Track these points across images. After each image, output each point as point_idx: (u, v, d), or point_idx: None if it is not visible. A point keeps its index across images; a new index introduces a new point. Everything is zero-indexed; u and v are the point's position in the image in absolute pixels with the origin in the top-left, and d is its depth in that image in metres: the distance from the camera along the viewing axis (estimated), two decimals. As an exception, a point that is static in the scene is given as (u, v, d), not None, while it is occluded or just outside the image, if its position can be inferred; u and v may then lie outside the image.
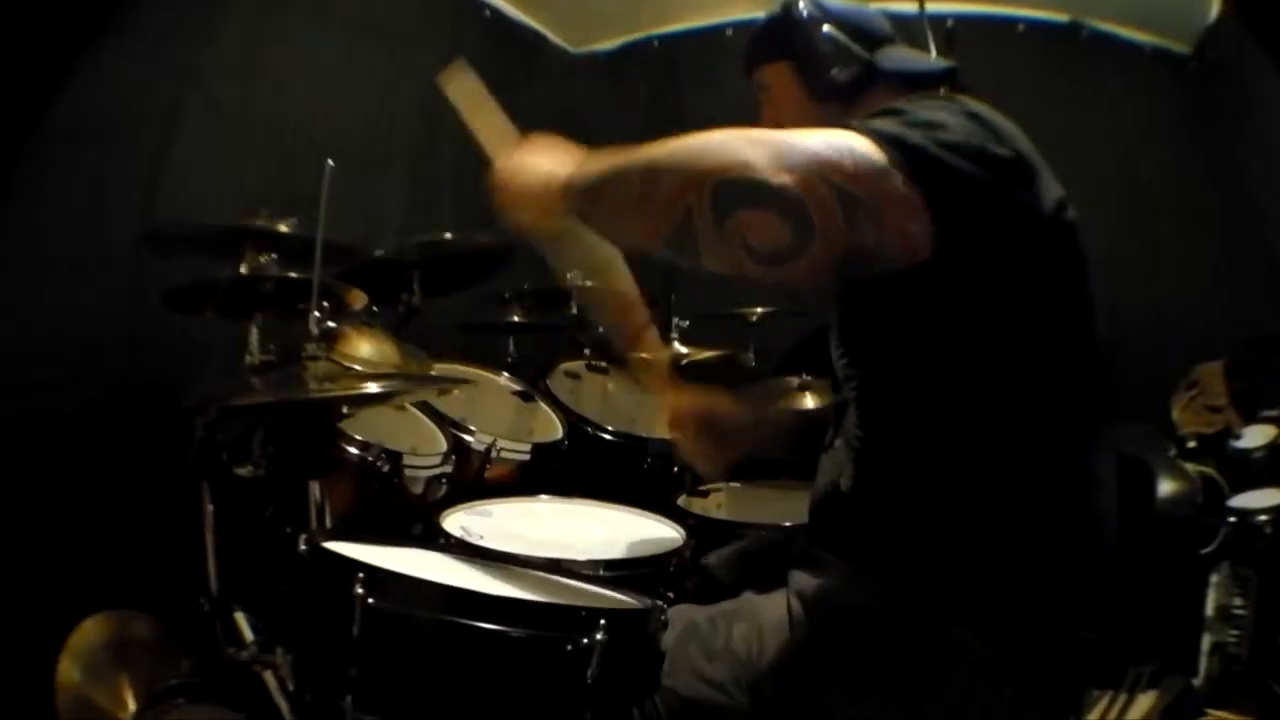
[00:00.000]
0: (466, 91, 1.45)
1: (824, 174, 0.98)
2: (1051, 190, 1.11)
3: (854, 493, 1.22)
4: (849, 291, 1.24)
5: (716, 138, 1.04)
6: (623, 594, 1.27)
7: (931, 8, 1.97)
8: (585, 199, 1.14)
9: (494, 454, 2.16)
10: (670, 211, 1.03)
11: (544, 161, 1.21)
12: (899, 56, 1.33)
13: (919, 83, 1.30)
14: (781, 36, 1.35)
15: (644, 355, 1.59)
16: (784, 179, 0.97)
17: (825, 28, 1.30)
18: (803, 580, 1.20)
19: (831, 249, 0.99)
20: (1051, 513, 1.12)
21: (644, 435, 2.48)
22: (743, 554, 1.55)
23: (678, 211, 1.02)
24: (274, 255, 1.92)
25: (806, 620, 1.16)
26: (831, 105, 1.32)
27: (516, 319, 2.80)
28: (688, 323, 2.78)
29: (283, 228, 1.94)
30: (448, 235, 2.47)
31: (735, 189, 0.99)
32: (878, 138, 1.01)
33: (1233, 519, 2.21)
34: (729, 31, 3.48)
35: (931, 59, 1.39)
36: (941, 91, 1.33)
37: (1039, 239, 1.08)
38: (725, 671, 1.15)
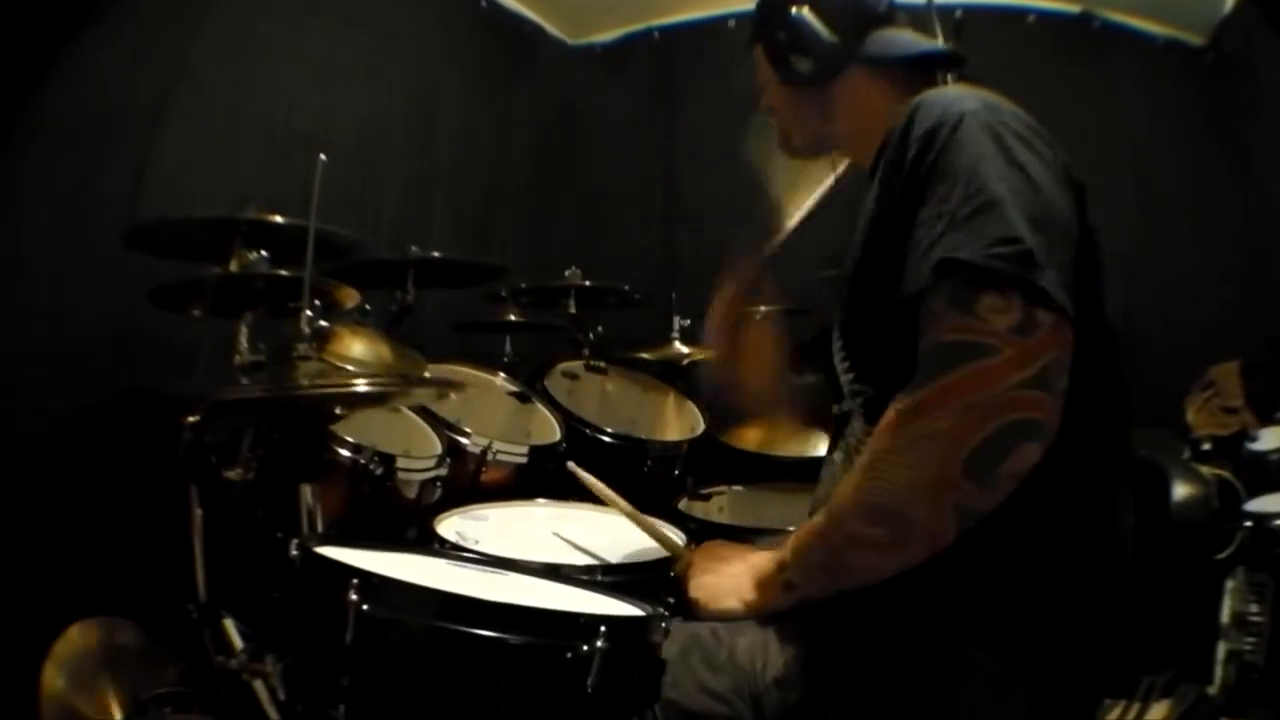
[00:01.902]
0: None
1: (1015, 385, 0.99)
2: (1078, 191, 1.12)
3: None
4: (856, 308, 1.24)
5: (895, 440, 1.05)
6: (623, 600, 1.26)
7: (940, -2, 1.98)
8: (821, 578, 1.14)
9: (490, 456, 2.16)
10: (942, 514, 1.03)
11: (736, 587, 1.21)
12: (890, 39, 1.31)
13: (913, 67, 1.29)
14: (757, 19, 1.36)
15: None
16: (999, 421, 1.00)
17: (794, 10, 1.29)
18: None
19: (1062, 406, 1.02)
20: (1064, 525, 1.12)
21: (644, 437, 2.48)
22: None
23: (947, 509, 1.02)
24: (264, 252, 1.92)
25: (813, 633, 1.16)
26: (802, 90, 1.32)
27: (513, 318, 2.80)
28: (689, 322, 2.78)
29: (277, 218, 1.93)
30: (436, 254, 2.51)
31: (977, 458, 1.00)
32: (998, 279, 1.00)
33: (1249, 523, 2.20)
34: (731, 23, 3.48)
35: (932, 42, 1.38)
36: (947, 78, 1.33)
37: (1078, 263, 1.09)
38: (729, 684, 1.15)
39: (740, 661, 1.16)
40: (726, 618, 1.19)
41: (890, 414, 1.05)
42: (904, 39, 1.33)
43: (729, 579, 1.22)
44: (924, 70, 1.30)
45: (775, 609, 1.16)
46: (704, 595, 1.23)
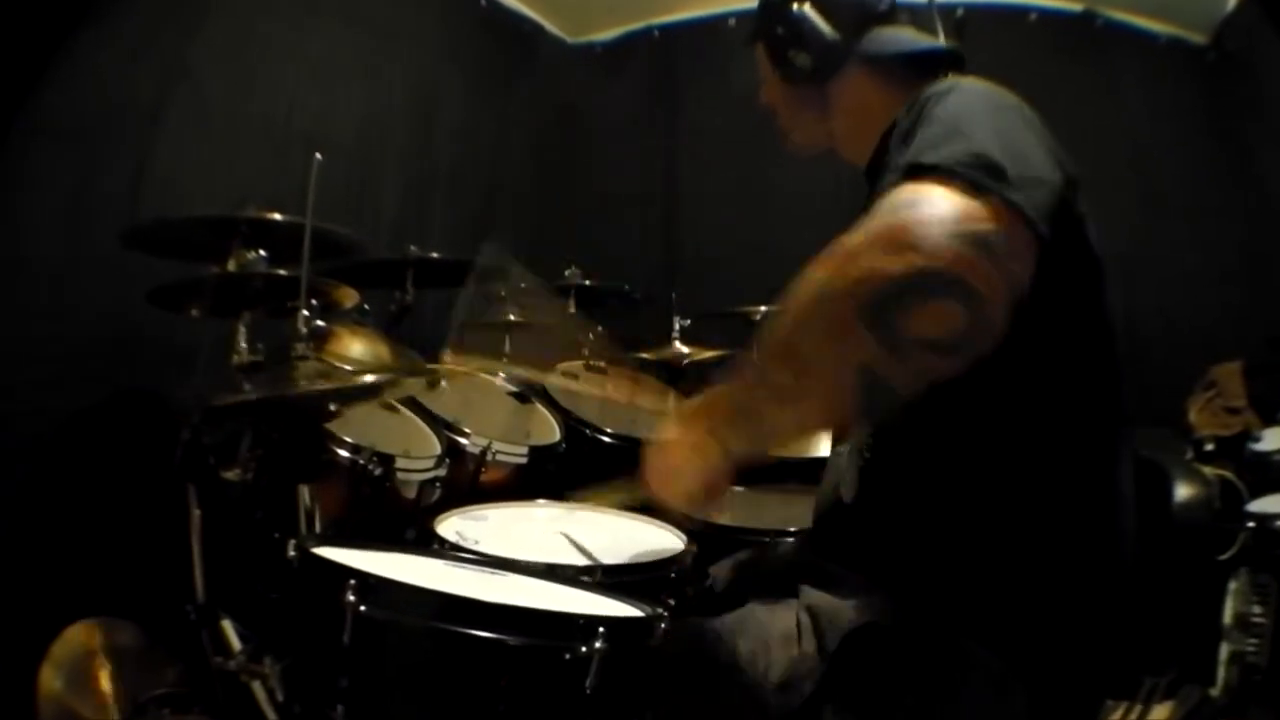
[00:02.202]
0: None
1: (950, 233, 0.92)
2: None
3: (858, 504, 1.21)
4: None
5: (826, 270, 0.97)
6: (623, 601, 1.26)
7: (941, -4, 1.98)
8: (740, 427, 1.08)
9: (489, 457, 2.16)
10: (839, 370, 0.96)
11: (681, 444, 1.14)
12: (890, 37, 1.31)
13: (913, 65, 1.29)
14: (759, 15, 1.36)
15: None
16: (920, 263, 0.91)
17: (796, 7, 1.29)
18: (813, 595, 1.19)
19: (1002, 299, 0.93)
20: (1067, 523, 1.12)
21: (644, 437, 2.47)
22: (747, 563, 1.55)
23: (847, 364, 0.95)
24: (262, 252, 1.92)
25: (815, 635, 1.16)
26: (802, 87, 1.32)
27: (512, 318, 2.80)
28: (689, 322, 2.78)
29: (275, 217, 1.93)
30: (435, 255, 2.52)
31: (889, 306, 0.92)
32: (959, 174, 0.95)
33: (1251, 524, 2.20)
34: (731, 21, 3.48)
35: (933, 41, 1.38)
36: (948, 77, 1.33)
37: (1063, 240, 1.08)
38: (730, 685, 1.15)
39: (742, 664, 1.16)
40: (682, 493, 1.14)
41: (821, 255, 0.99)
42: (905, 37, 1.33)
43: (671, 454, 1.16)
44: (924, 69, 1.30)
45: (710, 459, 1.10)
46: (655, 481, 1.17)
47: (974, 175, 0.95)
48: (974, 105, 1.07)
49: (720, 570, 1.54)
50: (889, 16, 1.32)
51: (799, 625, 1.17)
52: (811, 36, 1.29)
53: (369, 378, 1.70)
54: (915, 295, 0.92)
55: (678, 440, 1.14)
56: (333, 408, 1.78)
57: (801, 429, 1.04)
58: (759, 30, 1.36)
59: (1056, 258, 1.03)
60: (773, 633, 1.18)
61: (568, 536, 1.64)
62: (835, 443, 1.33)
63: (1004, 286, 0.93)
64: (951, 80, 1.15)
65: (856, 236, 0.96)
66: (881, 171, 1.22)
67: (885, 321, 0.92)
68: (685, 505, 1.17)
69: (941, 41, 1.41)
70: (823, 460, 1.38)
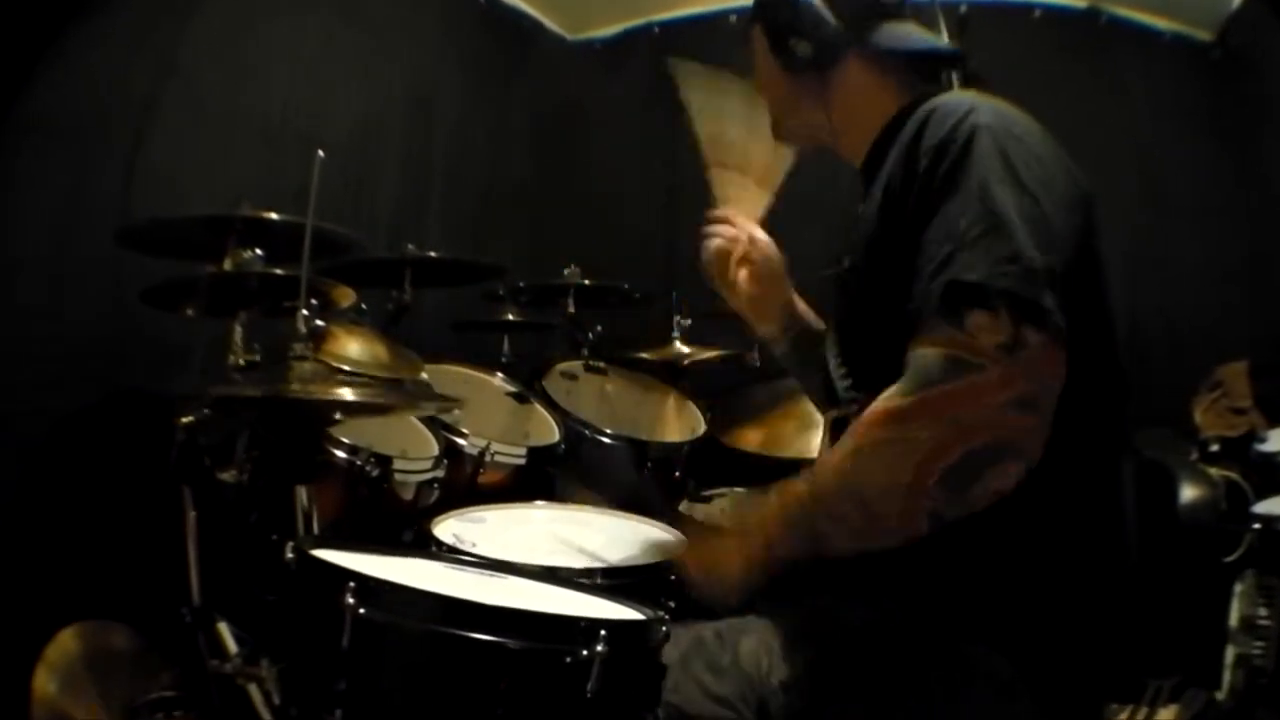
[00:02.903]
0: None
1: (999, 405, 1.01)
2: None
3: None
4: (855, 316, 1.24)
5: (874, 438, 1.07)
6: (623, 604, 1.26)
7: (944, -9, 1.98)
8: (800, 544, 1.15)
9: (488, 458, 2.16)
10: (913, 512, 1.04)
11: (728, 551, 1.22)
12: (895, 33, 1.30)
13: (916, 63, 1.29)
14: (761, 1, 1.35)
15: None
16: (977, 440, 1.01)
17: None
18: (816, 597, 1.20)
19: (1045, 433, 1.03)
20: (1069, 526, 1.13)
21: (644, 438, 2.48)
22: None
23: (919, 509, 1.04)
24: (258, 250, 1.91)
25: (818, 636, 1.16)
26: (802, 76, 1.32)
27: (511, 317, 2.80)
28: (690, 322, 2.78)
29: (272, 216, 1.93)
30: (433, 254, 2.52)
31: (947, 478, 1.02)
32: (1005, 306, 1.01)
33: (1257, 525, 2.20)
34: (732, 18, 3.48)
35: (936, 40, 1.37)
36: (952, 78, 1.33)
37: (1075, 257, 1.09)
38: (733, 688, 1.15)
39: (745, 665, 1.16)
40: (720, 587, 1.21)
41: (878, 409, 1.07)
42: (909, 34, 1.32)
43: (719, 551, 1.23)
44: (927, 68, 1.29)
45: (758, 568, 1.17)
46: (697, 568, 1.25)
47: (1012, 299, 1.01)
48: (995, 167, 1.07)
49: None
50: (895, 12, 1.32)
51: (802, 626, 1.17)
52: (814, 24, 1.28)
53: (375, 397, 1.69)
54: (977, 466, 1.02)
55: (728, 540, 1.22)
56: (338, 416, 1.79)
57: (881, 546, 1.12)
58: (760, 16, 1.35)
59: (1069, 275, 1.04)
60: (775, 634, 1.18)
61: (566, 539, 1.64)
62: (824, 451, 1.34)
63: (1048, 424, 1.03)
64: (963, 102, 1.13)
65: (905, 401, 1.04)
66: (878, 172, 1.23)
67: (950, 489, 1.03)
68: (718, 598, 1.22)
69: (944, 39, 1.40)
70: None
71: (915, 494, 1.03)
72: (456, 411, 2.21)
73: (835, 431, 1.30)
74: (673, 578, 1.52)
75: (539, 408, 2.48)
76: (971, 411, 1.01)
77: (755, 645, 1.17)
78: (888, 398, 1.06)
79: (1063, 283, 1.04)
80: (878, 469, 1.06)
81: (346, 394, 1.57)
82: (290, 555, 1.15)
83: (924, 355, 1.04)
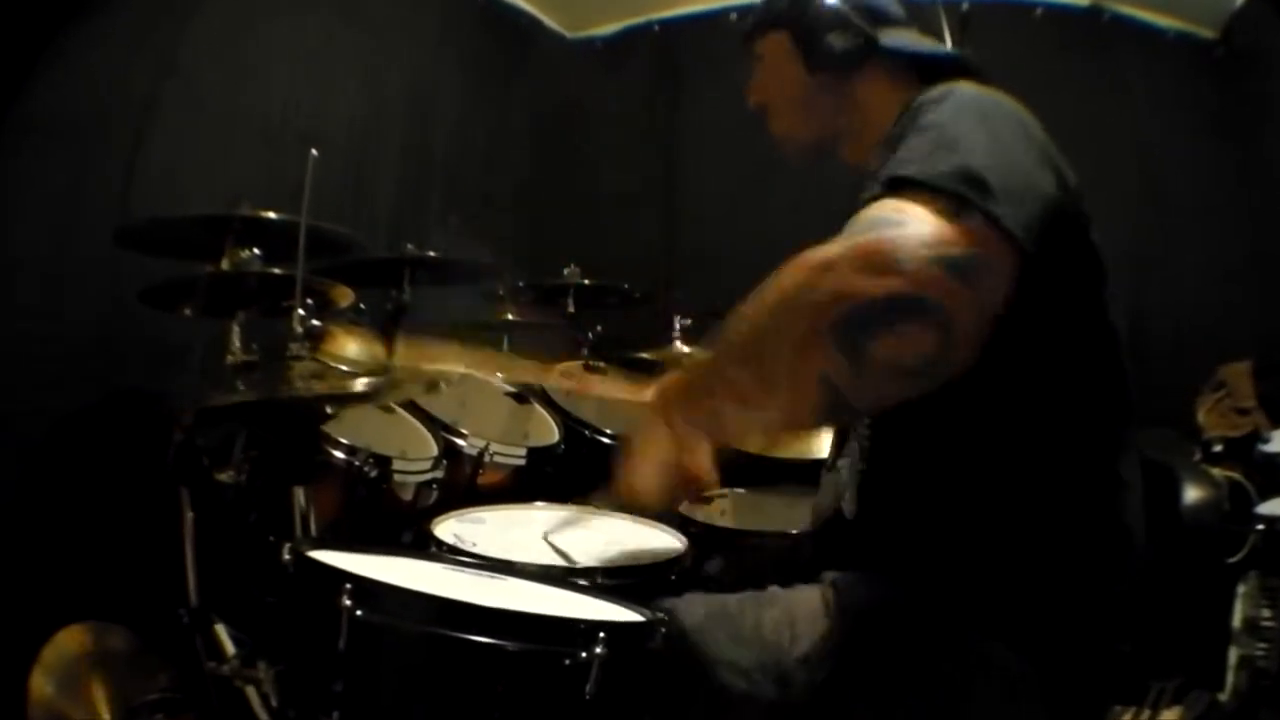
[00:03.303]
0: None
1: (926, 256, 0.92)
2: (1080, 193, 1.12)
3: (862, 518, 1.22)
4: None
5: (796, 279, 0.97)
6: (623, 605, 1.26)
7: (946, -10, 1.98)
8: (698, 414, 1.07)
9: (487, 458, 2.16)
10: (801, 379, 0.95)
11: (646, 449, 1.13)
12: (906, 39, 1.33)
13: (924, 67, 1.30)
14: (783, 5, 1.36)
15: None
16: (894, 286, 0.91)
17: None
18: (837, 575, 1.20)
19: (973, 324, 0.94)
20: (1079, 524, 1.13)
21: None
22: (746, 563, 1.55)
23: (809, 375, 0.94)
24: (256, 250, 1.92)
25: (841, 612, 1.15)
26: (826, 77, 1.32)
27: (511, 317, 2.80)
28: (689, 321, 2.78)
29: (270, 215, 1.93)
30: (431, 254, 2.51)
31: (858, 328, 0.92)
32: (942, 189, 0.96)
33: (1261, 526, 2.20)
34: (732, 16, 3.48)
35: (941, 47, 1.38)
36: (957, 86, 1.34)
37: (1063, 246, 1.07)
38: (753, 658, 1.14)
39: (766, 635, 1.16)
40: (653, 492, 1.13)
41: (804, 255, 0.99)
42: (920, 41, 1.35)
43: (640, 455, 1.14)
44: (938, 72, 1.30)
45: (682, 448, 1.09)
46: (628, 481, 1.15)
47: (956, 189, 0.95)
48: (965, 113, 1.07)
49: (715, 569, 1.55)
50: (901, 20, 1.34)
51: (824, 601, 1.17)
52: (848, 24, 1.30)
53: (365, 383, 1.69)
54: (886, 317, 0.92)
55: (644, 439, 1.14)
56: (329, 410, 1.78)
57: (763, 429, 1.08)
58: (782, 20, 1.35)
59: (1056, 264, 1.03)
60: (799, 607, 1.18)
61: (566, 540, 1.64)
62: (831, 460, 1.34)
63: (976, 311, 0.93)
64: (946, 86, 1.14)
65: (832, 248, 0.97)
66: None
67: (853, 340, 0.92)
68: (659, 501, 1.17)
69: (948, 42, 1.41)
70: (822, 462, 1.38)
71: (806, 349, 0.94)
72: (455, 411, 2.21)
73: (841, 436, 1.31)
74: (674, 577, 1.52)
75: (539, 408, 2.47)
76: (884, 258, 0.92)
77: (778, 616, 1.17)
78: (808, 251, 0.98)
79: (1028, 206, 0.98)
80: (782, 318, 0.97)
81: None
82: (288, 556, 1.15)
83: (862, 214, 1.00)
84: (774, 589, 1.24)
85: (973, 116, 1.06)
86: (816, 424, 1.00)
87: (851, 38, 1.30)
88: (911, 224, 0.94)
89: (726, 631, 1.17)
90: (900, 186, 0.99)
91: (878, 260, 0.92)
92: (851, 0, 1.31)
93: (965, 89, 1.12)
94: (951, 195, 0.95)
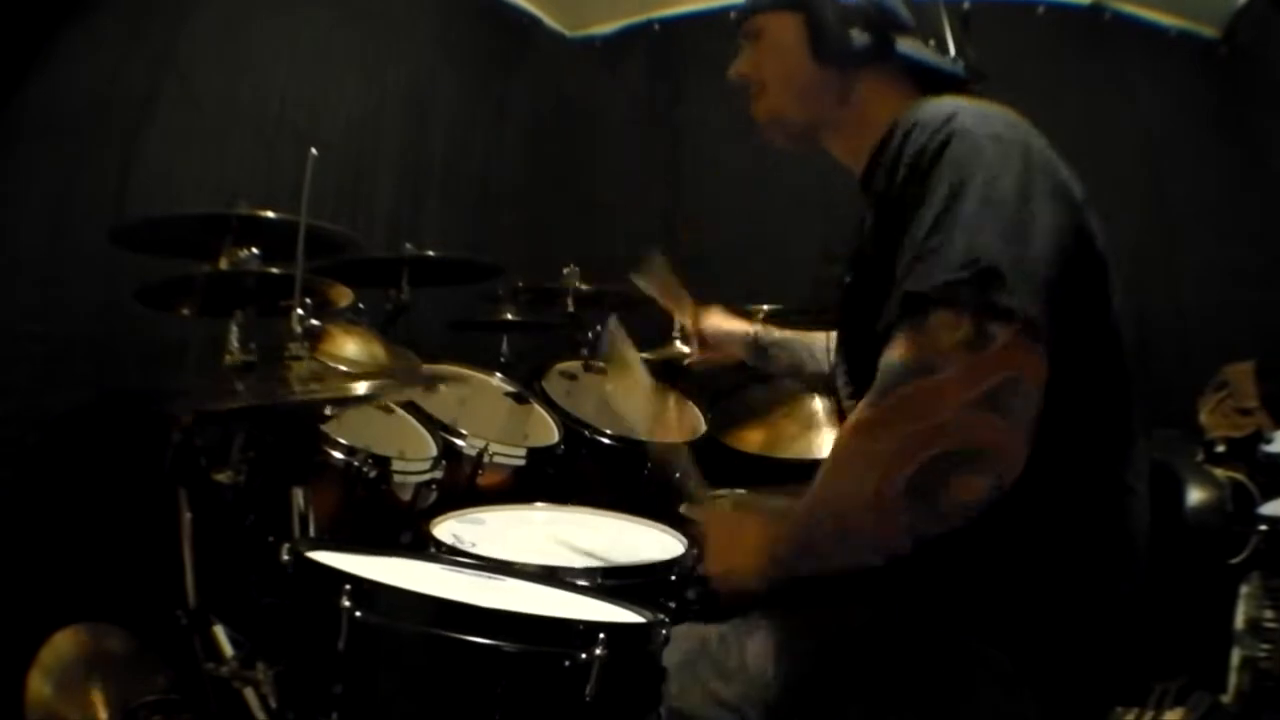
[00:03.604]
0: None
1: (965, 403, 0.98)
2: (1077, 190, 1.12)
3: None
4: (854, 331, 1.24)
5: (849, 449, 1.09)
6: (623, 606, 1.26)
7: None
8: (795, 562, 1.14)
9: (486, 459, 2.16)
10: (888, 528, 1.03)
11: (754, 527, 1.22)
12: (913, 48, 1.31)
13: (928, 79, 1.29)
14: None
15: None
16: (946, 444, 0.98)
17: None
18: (819, 596, 1.20)
19: (1023, 443, 1.00)
20: (1077, 524, 1.13)
21: (644, 439, 2.47)
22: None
23: (894, 528, 1.03)
24: (254, 249, 1.92)
25: (824, 636, 1.16)
26: (832, 69, 1.30)
27: (510, 317, 2.80)
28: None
29: (268, 214, 1.93)
30: (430, 253, 2.51)
31: (915, 484, 1.00)
32: (962, 305, 1.00)
33: (1264, 527, 2.20)
34: (732, 14, 3.47)
35: (945, 61, 1.37)
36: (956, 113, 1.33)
37: (1073, 263, 1.08)
38: (739, 691, 1.15)
39: (751, 668, 1.16)
40: (730, 580, 1.22)
41: (849, 422, 1.08)
42: (927, 53, 1.33)
43: (737, 542, 1.23)
44: (935, 85, 1.29)
45: (765, 570, 1.17)
46: (714, 555, 1.25)
47: (972, 299, 0.99)
48: (966, 170, 1.06)
49: None
50: (910, 29, 1.32)
51: (806, 625, 1.17)
52: (869, 21, 1.28)
53: (365, 386, 1.69)
54: (946, 472, 0.99)
55: (745, 536, 1.21)
56: (329, 412, 1.78)
57: (864, 566, 1.12)
58: (797, 1, 1.32)
59: (1064, 280, 1.04)
60: (781, 635, 1.18)
61: (566, 540, 1.64)
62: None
63: (1024, 432, 1.00)
64: (944, 110, 1.12)
65: (872, 412, 1.04)
66: (869, 182, 1.23)
67: (922, 496, 1.00)
68: (729, 580, 1.23)
69: (950, 41, 1.40)
70: (822, 461, 1.38)
71: (884, 507, 1.02)
72: (455, 411, 2.21)
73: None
74: (674, 578, 1.52)
75: (538, 408, 2.48)
76: (932, 414, 0.99)
77: (760, 647, 1.17)
78: (857, 409, 1.07)
79: (1048, 277, 1.02)
80: (846, 483, 1.07)
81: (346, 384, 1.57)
82: (286, 557, 1.15)
83: (888, 361, 1.04)
84: (756, 613, 1.24)
85: (972, 172, 1.05)
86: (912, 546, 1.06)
87: (869, 37, 1.28)
88: (940, 369, 0.99)
89: (711, 666, 1.18)
90: (917, 307, 1.02)
91: (922, 415, 1.00)
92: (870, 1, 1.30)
93: (964, 119, 1.10)
94: (969, 308, 0.99)
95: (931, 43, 1.34)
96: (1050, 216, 1.05)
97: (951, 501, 0.99)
